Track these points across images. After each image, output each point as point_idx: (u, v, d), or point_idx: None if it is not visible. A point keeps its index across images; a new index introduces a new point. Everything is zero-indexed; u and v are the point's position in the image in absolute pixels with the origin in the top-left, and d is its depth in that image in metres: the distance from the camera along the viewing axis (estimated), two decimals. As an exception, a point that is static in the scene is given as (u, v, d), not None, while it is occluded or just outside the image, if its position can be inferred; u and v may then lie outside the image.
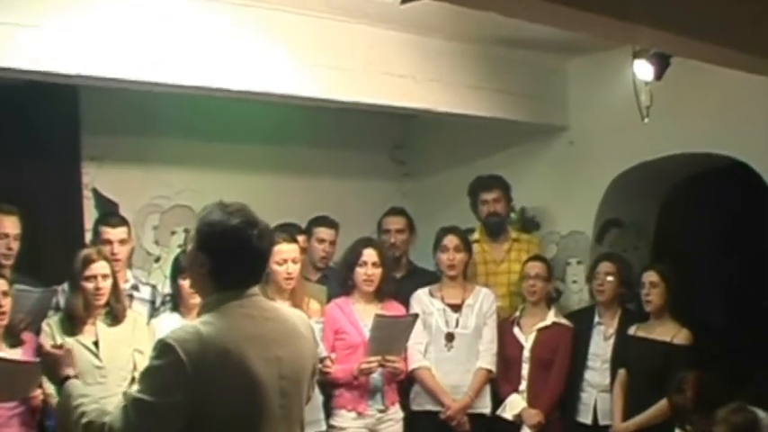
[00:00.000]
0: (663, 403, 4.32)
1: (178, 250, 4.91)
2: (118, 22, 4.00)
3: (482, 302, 4.86)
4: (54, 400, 3.54)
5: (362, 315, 4.53)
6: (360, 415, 4.45)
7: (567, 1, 3.01)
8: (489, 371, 4.80)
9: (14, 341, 3.93)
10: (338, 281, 4.70)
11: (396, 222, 5.33)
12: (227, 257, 2.41)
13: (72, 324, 4.01)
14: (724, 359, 4.98)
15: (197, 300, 3.10)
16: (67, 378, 2.56)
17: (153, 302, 4.64)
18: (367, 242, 4.65)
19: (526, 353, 4.88)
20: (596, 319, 4.93)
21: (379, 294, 4.60)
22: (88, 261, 4.02)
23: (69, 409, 2.44)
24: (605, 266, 4.90)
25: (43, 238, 4.76)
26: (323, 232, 5.09)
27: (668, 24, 3.30)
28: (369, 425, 4.47)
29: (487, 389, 4.83)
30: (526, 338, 4.90)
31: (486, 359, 4.80)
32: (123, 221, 4.64)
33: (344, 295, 4.61)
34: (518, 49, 5.24)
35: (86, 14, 3.93)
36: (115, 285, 4.09)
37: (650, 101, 4.65)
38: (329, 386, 4.43)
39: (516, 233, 5.49)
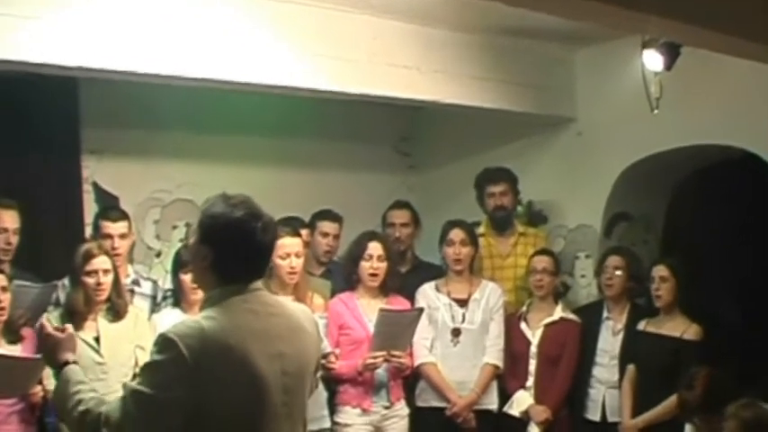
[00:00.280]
0: (673, 400, 4.24)
1: (179, 245, 4.88)
2: (119, 14, 3.96)
3: (489, 297, 4.81)
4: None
5: (367, 310, 4.48)
6: (364, 412, 4.40)
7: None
8: (496, 366, 4.75)
9: (14, 337, 3.90)
10: (343, 275, 4.65)
11: (400, 216, 5.30)
12: (229, 250, 2.37)
13: (73, 320, 3.90)
14: (735, 355, 4.91)
15: (198, 295, 3.07)
16: (67, 363, 2.50)
17: (154, 298, 4.62)
18: (372, 236, 4.60)
19: (533, 348, 4.83)
20: (605, 314, 4.88)
21: (384, 289, 4.55)
22: (89, 256, 3.99)
23: (66, 396, 2.40)
24: (614, 260, 4.85)
25: (43, 233, 4.75)
26: (326, 226, 5.06)
27: (677, 13, 3.26)
28: (374, 421, 4.42)
29: (494, 385, 4.78)
30: (533, 334, 4.86)
31: (493, 355, 4.75)
32: (124, 216, 4.62)
33: (349, 290, 4.56)
34: (524, 38, 5.19)
35: (87, 6, 3.89)
36: (116, 280, 4.07)
37: (660, 92, 4.58)
38: (333, 382, 4.39)
39: (523, 227, 5.43)
